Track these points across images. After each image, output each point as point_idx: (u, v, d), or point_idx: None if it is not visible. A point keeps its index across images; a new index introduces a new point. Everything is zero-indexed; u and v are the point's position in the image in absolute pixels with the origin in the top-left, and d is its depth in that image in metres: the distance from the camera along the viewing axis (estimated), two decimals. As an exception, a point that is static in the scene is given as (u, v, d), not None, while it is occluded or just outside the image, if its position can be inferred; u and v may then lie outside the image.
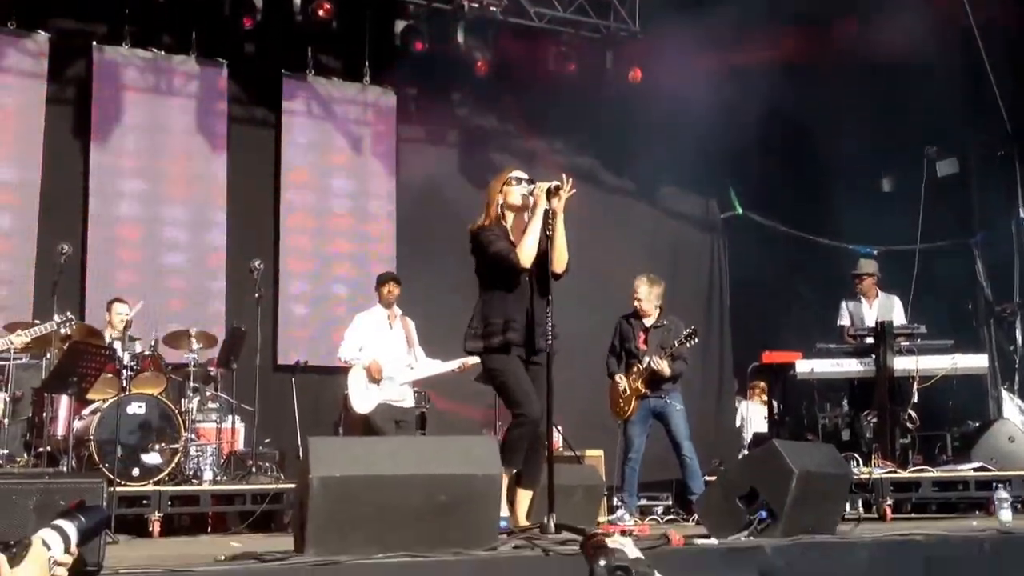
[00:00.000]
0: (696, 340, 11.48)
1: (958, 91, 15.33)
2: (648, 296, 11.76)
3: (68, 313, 11.26)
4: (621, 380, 11.71)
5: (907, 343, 11.98)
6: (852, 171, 16.03)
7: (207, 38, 15.17)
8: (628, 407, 11.66)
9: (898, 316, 12.80)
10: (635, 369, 11.63)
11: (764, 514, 7.25)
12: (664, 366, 11.40)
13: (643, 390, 11.58)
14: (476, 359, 8.80)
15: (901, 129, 15.79)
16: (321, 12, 14.55)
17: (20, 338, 10.66)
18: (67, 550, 4.04)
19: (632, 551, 4.46)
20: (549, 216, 7.77)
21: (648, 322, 11.75)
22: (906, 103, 15.49)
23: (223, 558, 5.90)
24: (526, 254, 7.76)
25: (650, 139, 16.55)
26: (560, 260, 7.90)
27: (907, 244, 15.28)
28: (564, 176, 7.81)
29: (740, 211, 18.09)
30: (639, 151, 16.88)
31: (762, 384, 15.72)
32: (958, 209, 16.23)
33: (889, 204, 16.86)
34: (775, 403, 13.74)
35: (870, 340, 12.16)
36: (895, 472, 11.23)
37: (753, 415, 16.01)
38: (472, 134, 16.99)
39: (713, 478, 10.75)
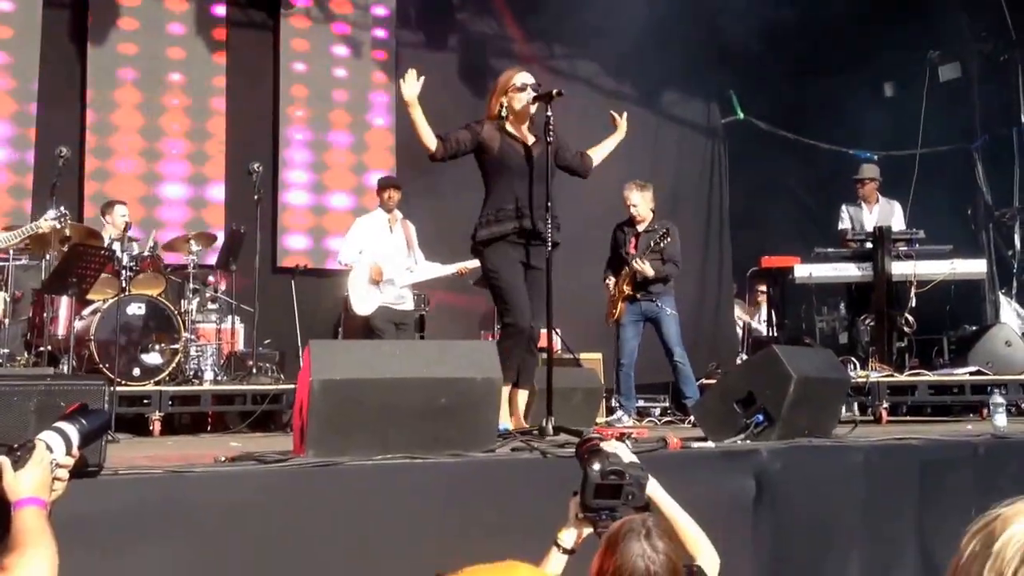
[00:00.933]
0: (668, 239, 11.49)
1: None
2: (641, 201, 11.78)
3: (62, 208, 11.25)
4: (610, 282, 11.77)
5: (905, 248, 12.00)
6: (854, 76, 15.96)
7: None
8: (615, 309, 11.74)
9: (898, 221, 12.81)
10: (624, 272, 11.66)
11: (761, 418, 7.28)
12: (646, 267, 11.48)
13: (631, 292, 11.63)
14: (475, 263, 8.85)
15: (904, 34, 15.69)
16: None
17: (13, 237, 10.66)
18: (69, 452, 4.07)
19: (627, 455, 4.47)
20: (550, 122, 7.82)
21: (641, 227, 11.78)
22: (909, 7, 15.41)
23: (223, 459, 5.93)
24: (426, 144, 8.04)
25: (651, 44, 16.42)
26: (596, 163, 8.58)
27: (908, 149, 15.26)
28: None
29: (741, 115, 18.01)
30: (640, 56, 16.75)
31: (763, 289, 15.77)
32: (959, 114, 16.19)
33: (891, 109, 16.82)
34: (774, 308, 13.78)
35: (869, 245, 12.17)
36: (891, 376, 11.28)
37: (753, 319, 16.06)
38: (471, 38, 16.83)
39: (711, 382, 10.81)
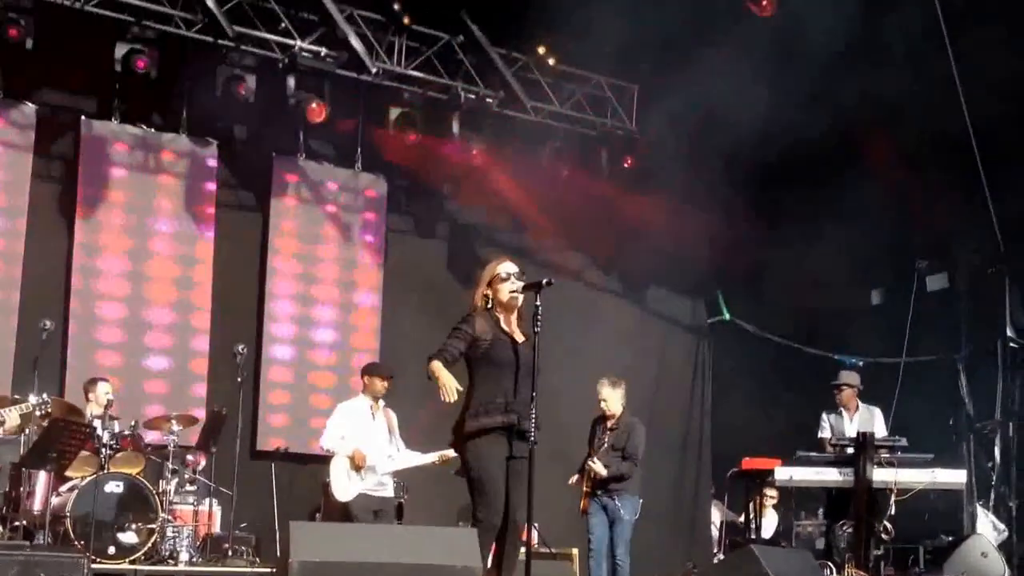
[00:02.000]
0: (629, 438, 11.60)
1: (951, 206, 15.45)
2: (611, 396, 11.86)
3: (45, 395, 11.26)
4: (575, 478, 11.85)
5: (887, 455, 12.00)
6: (842, 282, 16.13)
7: (198, 117, 15.04)
8: (582, 503, 11.79)
9: (879, 427, 12.84)
10: (585, 469, 11.76)
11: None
12: (597, 467, 11.53)
13: (590, 489, 11.74)
14: (454, 452, 8.86)
15: (892, 241, 15.92)
16: (313, 114, 14.70)
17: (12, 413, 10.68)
18: None
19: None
20: (538, 313, 7.85)
21: (611, 424, 11.85)
22: (898, 216, 15.65)
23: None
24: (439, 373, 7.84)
25: (639, 241, 16.67)
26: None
27: (893, 356, 15.37)
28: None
29: (728, 316, 18.17)
30: (628, 252, 16.99)
31: (772, 494, 15.76)
32: (946, 324, 16.31)
33: (877, 316, 16.99)
34: (752, 510, 13.76)
35: (851, 450, 12.18)
36: (867, 582, 11.24)
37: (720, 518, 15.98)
38: (461, 228, 17.00)
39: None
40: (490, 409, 7.85)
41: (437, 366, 7.80)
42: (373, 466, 11.89)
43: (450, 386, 7.68)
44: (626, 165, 16.62)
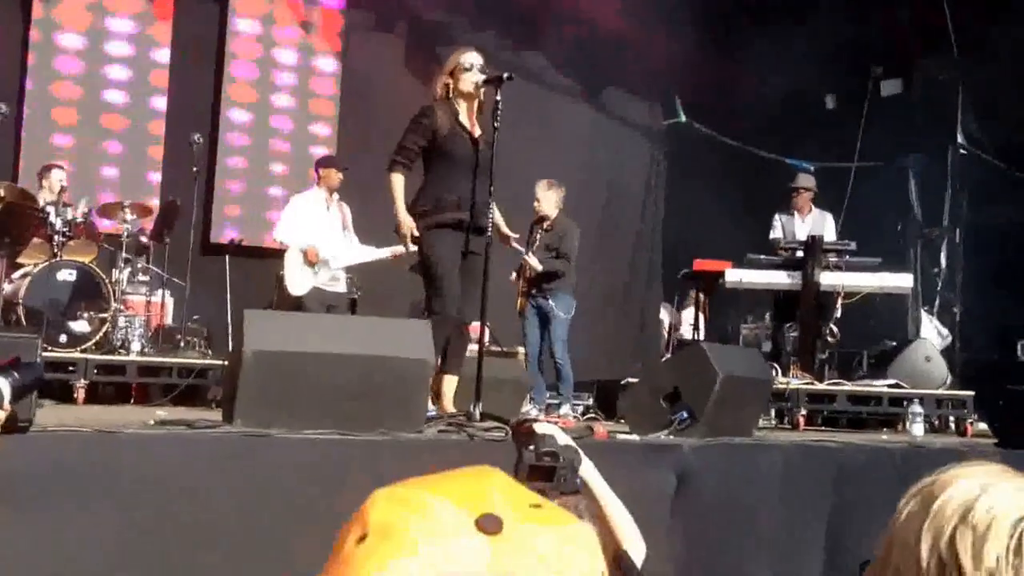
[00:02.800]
0: (564, 237, 11.76)
1: (908, 12, 15.39)
2: (544, 198, 11.94)
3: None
4: (512, 277, 12.00)
5: (835, 259, 12.10)
6: (797, 86, 16.10)
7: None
8: (517, 304, 12.02)
9: (829, 232, 12.91)
10: (521, 267, 11.91)
11: (685, 415, 7.39)
12: (532, 261, 11.71)
13: (526, 288, 11.96)
14: (410, 247, 8.87)
15: (848, 47, 15.87)
16: None
17: None
18: (0, 406, 4.07)
19: (562, 437, 4.51)
20: (498, 107, 7.83)
21: (546, 225, 11.93)
22: (856, 21, 15.59)
23: (152, 423, 5.96)
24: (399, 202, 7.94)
25: (599, 42, 16.54)
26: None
27: (845, 161, 15.43)
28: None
29: (683, 118, 18.12)
30: (587, 53, 16.86)
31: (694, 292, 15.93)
32: (898, 130, 16.35)
33: (831, 121, 17.01)
34: (700, 311, 13.89)
35: (800, 254, 12.29)
36: (812, 383, 11.41)
37: (681, 322, 16.14)
38: (421, 25, 16.76)
39: (636, 381, 10.93)
40: (442, 205, 7.92)
41: (396, 185, 7.82)
42: (327, 260, 11.91)
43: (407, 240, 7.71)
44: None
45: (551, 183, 12.06)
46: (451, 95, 8.08)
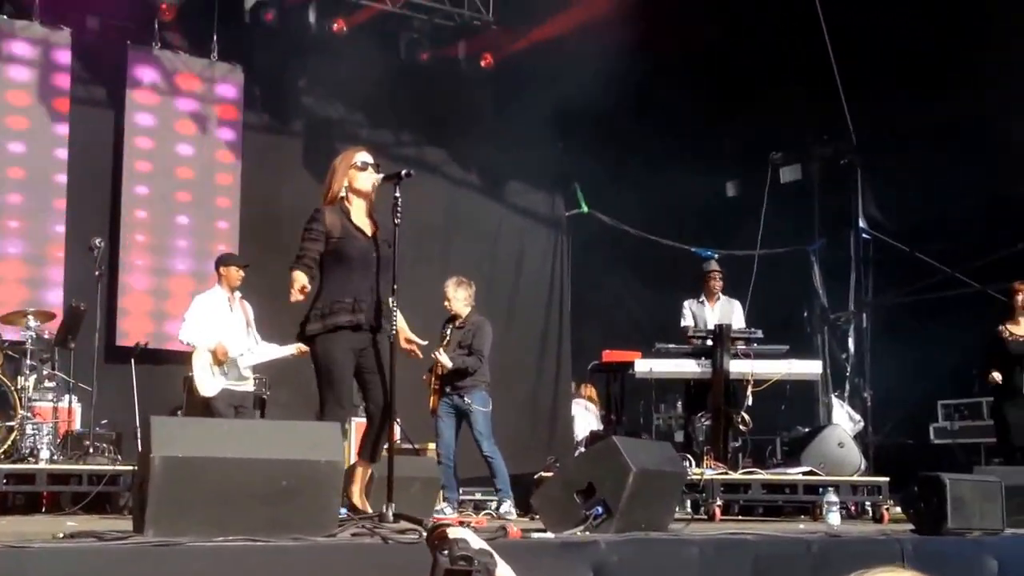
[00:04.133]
0: (475, 335, 11.79)
1: (805, 98, 15.62)
2: (455, 296, 11.94)
3: None
4: (426, 376, 11.96)
5: (744, 347, 12.19)
6: (698, 174, 16.26)
7: (49, 5, 14.66)
8: (431, 401, 11.97)
9: (738, 320, 13.00)
10: (433, 366, 11.88)
11: (600, 510, 7.35)
12: (442, 358, 11.66)
13: (438, 386, 11.91)
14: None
15: (748, 134, 16.07)
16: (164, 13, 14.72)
17: None
18: None
19: (475, 541, 4.49)
20: (397, 204, 7.80)
21: (458, 323, 11.93)
22: (753, 106, 15.78)
23: (62, 536, 5.84)
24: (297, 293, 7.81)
25: (499, 134, 16.61)
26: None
27: (748, 249, 15.57)
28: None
29: (586, 209, 18.18)
30: (487, 145, 16.92)
31: (590, 386, 15.98)
32: (800, 216, 16.58)
33: (732, 208, 17.17)
34: (613, 402, 13.93)
35: (709, 342, 12.34)
36: (726, 473, 11.42)
37: (585, 415, 16.14)
38: (317, 123, 16.79)
39: (549, 475, 10.88)
40: (336, 309, 7.85)
41: (298, 276, 7.75)
42: (235, 359, 11.80)
43: (297, 285, 7.64)
44: (484, 63, 16.51)
45: (460, 281, 12.04)
46: (345, 196, 8.03)
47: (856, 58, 14.69)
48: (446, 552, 4.39)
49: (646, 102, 16.17)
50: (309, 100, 16.88)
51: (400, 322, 8.07)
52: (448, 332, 11.95)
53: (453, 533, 4.53)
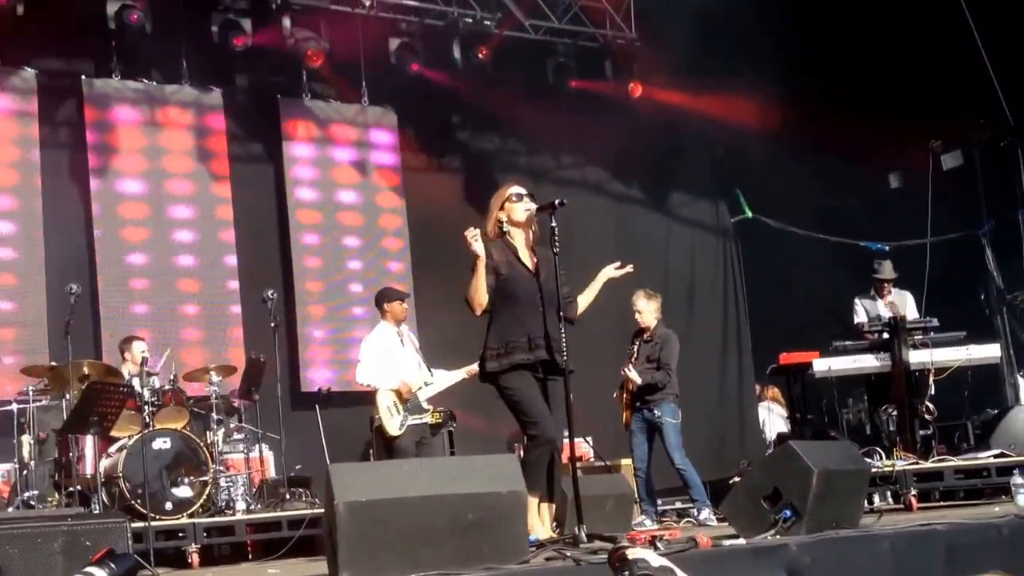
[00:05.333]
0: (663, 348, 11.82)
1: (959, 86, 15.36)
2: (646, 309, 11.97)
3: None
4: (617, 393, 12.02)
5: (921, 337, 12.02)
6: (859, 169, 16.06)
7: (198, 66, 14.97)
8: (624, 416, 12.03)
9: (911, 311, 12.84)
10: (623, 382, 11.98)
11: (788, 513, 7.36)
12: (632, 375, 11.77)
13: (629, 401, 11.99)
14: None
15: (906, 125, 15.85)
16: (311, 59, 14.89)
17: None
18: None
19: (655, 559, 4.57)
20: (555, 233, 7.83)
21: (646, 336, 11.96)
22: (909, 99, 15.59)
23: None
24: (479, 303, 7.89)
25: (656, 147, 16.61)
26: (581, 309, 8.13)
27: (917, 239, 15.33)
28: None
29: (749, 214, 18.08)
30: (646, 160, 16.92)
31: (774, 387, 15.87)
32: (965, 201, 16.31)
33: (898, 200, 16.94)
34: (796, 403, 13.81)
35: (885, 336, 12.19)
36: (917, 463, 11.28)
37: (770, 416, 16.04)
38: (475, 156, 16.93)
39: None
40: (511, 348, 7.89)
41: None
42: (415, 393, 11.93)
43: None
44: (630, 79, 16.50)
45: (649, 293, 12.11)
46: (504, 230, 8.10)
47: (1005, 38, 14.42)
48: (626, 573, 4.47)
49: (801, 100, 16.04)
50: (464, 135, 17.03)
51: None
52: (636, 346, 12.00)
53: (632, 554, 4.60)
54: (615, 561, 4.55)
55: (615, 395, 12.09)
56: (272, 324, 12.42)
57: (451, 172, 16.93)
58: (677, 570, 4.54)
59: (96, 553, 4.46)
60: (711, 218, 18.33)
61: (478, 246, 7.75)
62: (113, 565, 4.27)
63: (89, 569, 4.25)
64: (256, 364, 12.61)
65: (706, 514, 11.51)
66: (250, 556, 11.36)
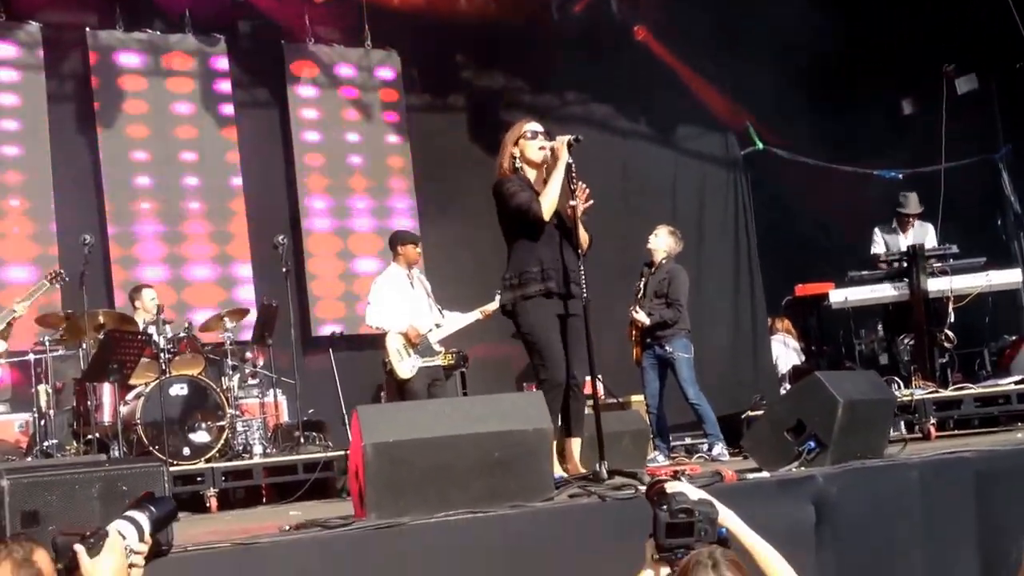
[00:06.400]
0: (671, 284, 11.73)
1: (974, 7, 15.21)
2: (654, 241, 11.91)
3: (56, 268, 11.38)
4: (627, 329, 11.96)
5: (940, 264, 11.92)
6: (871, 95, 15.91)
7: (201, 15, 15.06)
8: (635, 353, 11.96)
9: (930, 241, 12.72)
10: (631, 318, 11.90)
11: (812, 444, 7.33)
12: (640, 316, 11.73)
13: (639, 337, 11.89)
14: (494, 304, 8.82)
15: (918, 49, 15.70)
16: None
17: (22, 304, 10.68)
18: (141, 539, 4.14)
19: (694, 492, 4.54)
20: (571, 169, 7.77)
21: (653, 269, 11.87)
22: (922, 22, 15.44)
23: (288, 528, 6.00)
24: (548, 204, 7.76)
25: (663, 80, 16.47)
26: (582, 241, 7.93)
27: (932, 165, 15.20)
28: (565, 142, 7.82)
29: (760, 145, 17.91)
30: (653, 94, 16.78)
31: (786, 319, 15.79)
32: (981, 126, 16.16)
33: (911, 126, 16.78)
34: (812, 335, 13.74)
35: (903, 264, 12.10)
36: (936, 392, 11.20)
37: (785, 350, 15.96)
38: (480, 95, 16.80)
39: (758, 414, 10.81)
40: (525, 279, 7.84)
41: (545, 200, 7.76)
42: (425, 336, 11.91)
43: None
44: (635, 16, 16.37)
45: (673, 231, 12.06)
46: (518, 167, 8.03)
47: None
48: (665, 507, 4.43)
49: (812, 30, 15.87)
50: (467, 74, 16.93)
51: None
52: (644, 281, 11.92)
53: (671, 487, 4.57)
54: (653, 495, 4.51)
55: (626, 331, 12.01)
56: (284, 269, 12.39)
57: (456, 111, 16.82)
58: (716, 502, 4.51)
59: (135, 498, 4.44)
60: (720, 151, 18.17)
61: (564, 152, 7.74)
62: (153, 508, 4.25)
63: (130, 512, 4.22)
64: (269, 310, 12.62)
65: (719, 449, 11.46)
66: (264, 500, 11.41)
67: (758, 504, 6.36)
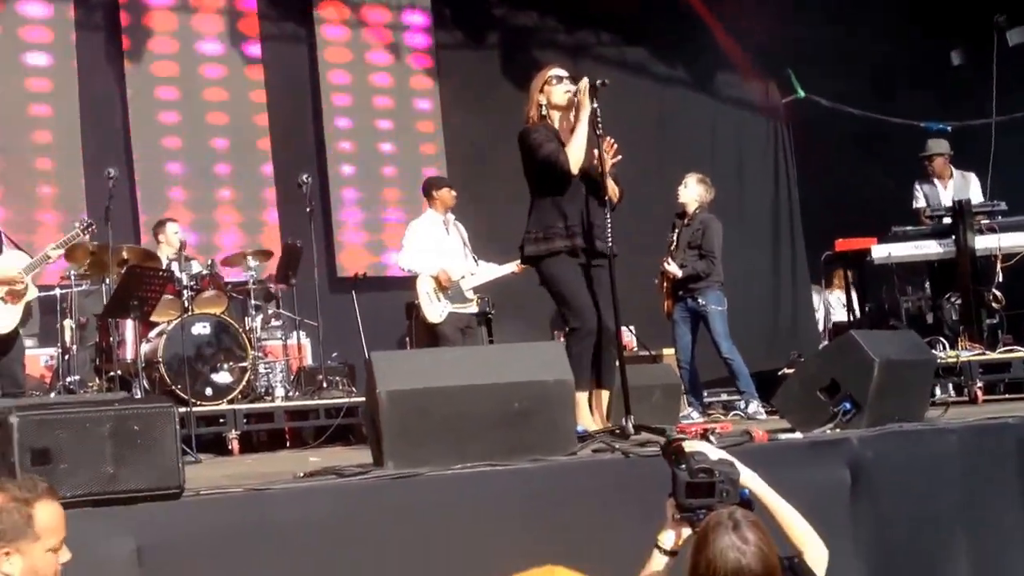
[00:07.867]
0: (704, 235, 11.35)
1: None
2: (684, 191, 11.57)
3: (83, 216, 11.21)
4: (658, 280, 11.65)
5: (987, 221, 11.58)
6: (919, 45, 15.56)
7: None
8: (666, 306, 11.62)
9: (975, 194, 12.37)
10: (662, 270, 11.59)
11: (848, 406, 7.14)
12: (672, 268, 11.32)
13: (671, 290, 11.53)
14: None
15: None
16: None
17: (56, 250, 10.53)
18: None
19: (713, 452, 4.36)
20: (597, 116, 7.54)
21: (686, 220, 11.56)
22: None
23: (302, 475, 6.01)
24: (575, 157, 7.58)
25: (702, 24, 16.17)
26: (612, 194, 7.72)
27: (982, 118, 14.85)
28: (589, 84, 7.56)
29: (802, 94, 17.51)
30: (692, 38, 16.48)
31: (836, 272, 15.46)
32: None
33: (960, 77, 16.44)
34: (853, 291, 13.43)
35: (948, 220, 11.77)
36: (983, 354, 10.92)
37: (833, 304, 15.68)
38: (513, 33, 16.57)
39: (793, 370, 10.56)
40: (551, 234, 7.68)
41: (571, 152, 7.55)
42: (457, 282, 11.72)
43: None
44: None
45: (702, 179, 11.66)
46: (544, 114, 7.82)
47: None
48: (683, 467, 4.24)
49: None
50: (500, 11, 16.69)
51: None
52: (676, 232, 11.60)
53: (690, 446, 4.39)
54: (672, 454, 4.32)
55: (656, 281, 11.71)
56: (308, 209, 12.27)
57: (487, 49, 16.61)
58: (737, 463, 4.30)
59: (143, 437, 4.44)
60: (760, 99, 17.86)
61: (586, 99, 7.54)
62: None
63: None
64: (293, 249, 12.51)
65: (755, 406, 11.16)
66: (287, 444, 11.39)
67: (790, 466, 6.20)
